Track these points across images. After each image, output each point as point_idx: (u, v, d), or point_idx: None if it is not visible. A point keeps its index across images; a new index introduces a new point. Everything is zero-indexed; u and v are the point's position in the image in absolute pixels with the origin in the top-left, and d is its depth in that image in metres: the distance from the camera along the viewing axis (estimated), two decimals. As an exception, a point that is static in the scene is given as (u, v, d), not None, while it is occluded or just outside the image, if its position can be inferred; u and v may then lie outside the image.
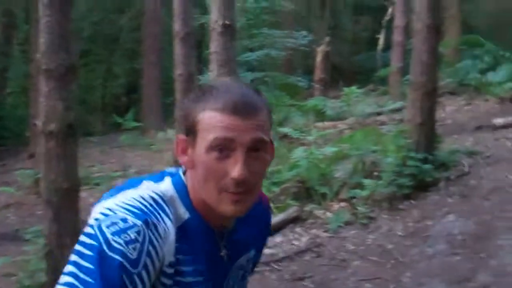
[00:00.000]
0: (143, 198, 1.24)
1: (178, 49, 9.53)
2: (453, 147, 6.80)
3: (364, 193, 5.93)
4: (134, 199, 1.23)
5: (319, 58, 13.83)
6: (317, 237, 5.54)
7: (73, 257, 1.17)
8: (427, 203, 5.78)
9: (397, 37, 12.67)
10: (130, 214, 1.19)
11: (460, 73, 11.10)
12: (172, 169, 1.37)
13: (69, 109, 4.53)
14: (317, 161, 6.71)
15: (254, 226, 1.44)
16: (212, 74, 6.98)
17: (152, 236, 1.18)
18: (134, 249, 1.15)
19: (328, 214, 5.93)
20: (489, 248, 4.78)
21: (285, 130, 9.07)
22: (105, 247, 1.14)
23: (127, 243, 1.14)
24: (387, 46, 15.97)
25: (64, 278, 1.15)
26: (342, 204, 6.09)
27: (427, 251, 5.00)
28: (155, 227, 1.19)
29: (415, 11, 6.44)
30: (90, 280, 1.12)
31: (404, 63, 12.16)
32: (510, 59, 10.90)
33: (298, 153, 6.96)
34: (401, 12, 12.54)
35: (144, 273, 1.16)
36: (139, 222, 1.17)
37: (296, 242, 5.57)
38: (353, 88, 11.22)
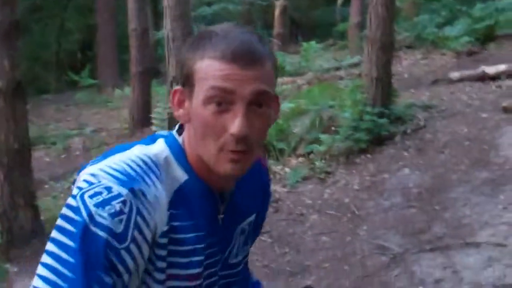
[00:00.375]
0: (132, 161, 1.12)
1: (131, 3, 9.31)
2: (409, 101, 6.85)
3: (322, 148, 5.95)
4: (122, 162, 1.11)
5: (277, 12, 13.70)
6: (275, 193, 5.55)
7: (53, 233, 1.06)
8: (383, 157, 5.83)
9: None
10: (116, 181, 1.07)
11: (418, 27, 11.13)
12: (164, 132, 1.25)
13: (15, 67, 4.39)
14: (275, 117, 6.66)
15: (253, 187, 1.32)
16: (166, 29, 6.84)
17: (141, 205, 1.07)
18: (120, 221, 1.04)
19: (286, 169, 5.94)
20: (444, 201, 4.88)
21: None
22: (88, 222, 1.03)
23: (112, 215, 1.03)
24: (347, 0, 15.90)
25: (44, 258, 1.05)
26: (300, 159, 6.11)
27: (383, 204, 5.06)
28: (143, 194, 1.08)
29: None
30: (71, 260, 1.02)
31: (362, 17, 12.14)
32: (467, 13, 10.96)
33: (256, 109, 6.90)
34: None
35: (133, 247, 1.06)
36: (124, 191, 1.06)
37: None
38: (312, 43, 11.16)
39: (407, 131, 6.12)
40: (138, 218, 1.06)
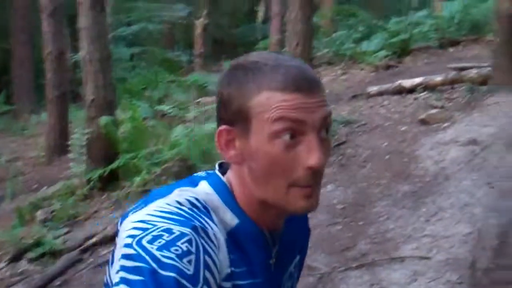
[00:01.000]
0: (180, 203, 1.01)
1: (46, 26, 9.01)
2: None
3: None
4: (169, 205, 1.00)
5: (198, 31, 13.62)
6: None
7: (121, 287, 0.92)
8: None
9: (275, 8, 12.73)
10: (173, 222, 0.96)
11: (336, 43, 11.34)
12: (202, 173, 1.14)
13: None
14: (199, 138, 6.56)
15: (296, 224, 1.21)
16: (83, 52, 6.64)
17: (206, 244, 0.96)
18: (189, 262, 0.92)
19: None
20: (368, 216, 4.90)
21: (165, 107, 8.84)
22: (155, 266, 0.90)
23: (179, 256, 0.92)
24: (267, 18, 16.04)
25: None
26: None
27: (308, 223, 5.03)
28: (206, 233, 0.98)
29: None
30: None
31: (282, 34, 12.26)
32: (383, 27, 11.27)
33: (179, 131, 6.78)
34: (277, -17, 12.58)
35: None
36: (187, 230, 0.95)
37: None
38: (234, 61, 11.13)
39: (330, 147, 6.14)
40: (207, 258, 0.95)
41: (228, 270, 1.02)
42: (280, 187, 1.01)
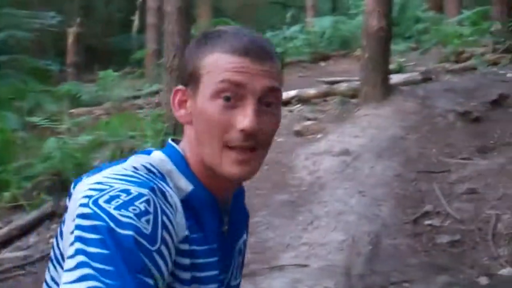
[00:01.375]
0: (136, 168, 0.99)
1: None
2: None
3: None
4: (126, 169, 0.98)
5: (70, 40, 13.18)
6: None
7: (77, 245, 0.89)
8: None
9: (150, 19, 12.59)
10: (130, 183, 0.94)
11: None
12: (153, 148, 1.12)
13: None
14: (72, 150, 6.32)
15: (241, 204, 1.22)
16: None
17: (163, 205, 0.95)
18: (147, 222, 0.91)
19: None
20: (249, 225, 4.95)
21: (35, 118, 8.42)
22: (113, 225, 0.88)
23: (137, 216, 0.90)
24: (142, 28, 15.83)
25: (74, 274, 0.87)
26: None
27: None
28: (163, 194, 0.96)
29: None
30: (109, 268, 0.86)
31: (159, 45, 12.15)
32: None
33: (51, 143, 6.49)
34: (153, -6, 12.46)
35: (164, 249, 0.93)
36: (145, 190, 0.93)
37: (53, 240, 5.18)
38: (109, 71, 10.91)
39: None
40: (164, 218, 0.94)
41: (185, 233, 1.01)
42: (215, 146, 1.02)
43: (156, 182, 0.99)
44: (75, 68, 13.02)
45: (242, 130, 1.00)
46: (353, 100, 7.23)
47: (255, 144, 1.03)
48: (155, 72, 11.75)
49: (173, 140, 1.14)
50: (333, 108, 7.29)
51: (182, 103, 1.08)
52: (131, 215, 0.90)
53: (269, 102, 1.03)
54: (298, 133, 6.52)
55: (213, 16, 14.67)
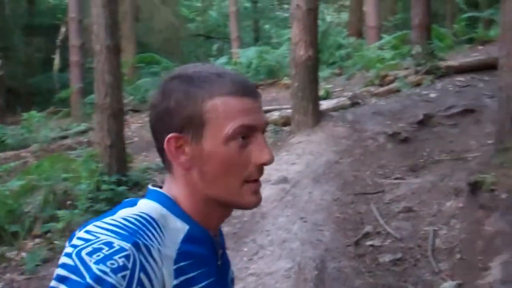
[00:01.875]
0: (128, 218, 1.01)
1: None
2: (144, 165, 6.86)
3: (60, 225, 5.59)
4: (117, 220, 1.00)
5: (-10, 82, 12.76)
6: (13, 282, 5.02)
7: None
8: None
9: (73, 56, 12.37)
10: (115, 236, 0.96)
11: (141, 90, 11.36)
12: (133, 199, 1.12)
13: None
14: (3, 197, 6.10)
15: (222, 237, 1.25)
16: None
17: (144, 261, 0.96)
18: (123, 277, 0.93)
19: (23, 254, 5.42)
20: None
21: (-41, 166, 8.08)
22: (90, 281, 0.91)
23: (114, 271, 0.92)
24: (64, 66, 15.55)
25: None
26: (37, 240, 5.64)
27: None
28: (148, 249, 0.98)
29: (93, 31, 6.30)
30: None
31: (84, 83, 11.96)
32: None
33: (-21, 190, 6.23)
34: (76, 32, 12.28)
35: None
36: (127, 245, 0.95)
37: None
38: (33, 112, 10.63)
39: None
40: (142, 275, 0.96)
41: (175, 282, 1.03)
42: (234, 184, 1.07)
43: (147, 233, 1.00)
44: (-3, 111, 12.60)
45: (263, 164, 1.08)
46: (286, 128, 7.34)
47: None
48: (81, 111, 11.54)
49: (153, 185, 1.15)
50: (266, 137, 7.36)
51: (178, 150, 1.08)
52: (108, 270, 0.92)
53: (264, 131, 1.11)
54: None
55: (138, 51, 14.60)
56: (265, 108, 8.50)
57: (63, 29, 16.29)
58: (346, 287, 4.24)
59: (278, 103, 9.12)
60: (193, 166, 1.08)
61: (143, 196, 1.14)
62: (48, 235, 5.65)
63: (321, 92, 7.96)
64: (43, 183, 6.23)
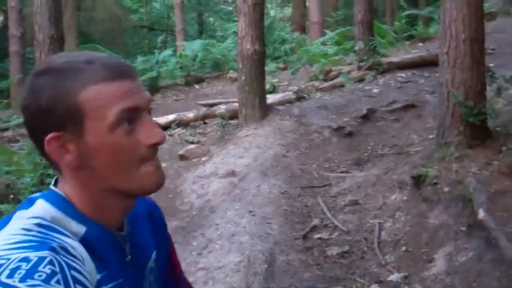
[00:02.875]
0: (27, 230, 0.93)
1: None
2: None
3: (2, 220, 5.43)
4: (16, 235, 0.92)
5: None
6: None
7: None
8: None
9: (13, 47, 12.01)
10: (27, 250, 0.89)
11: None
12: (38, 194, 1.05)
13: None
14: None
15: (147, 224, 1.19)
16: None
17: (69, 260, 0.92)
18: (58, 282, 0.87)
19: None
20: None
21: None
22: None
23: (45, 281, 0.86)
24: (3, 57, 15.07)
25: None
26: (-22, 236, 5.47)
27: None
28: (65, 249, 0.93)
29: (36, 21, 6.14)
30: None
31: (24, 73, 11.62)
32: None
33: None
34: (16, 21, 11.91)
35: None
36: (45, 252, 0.89)
37: None
38: (-30, 103, 10.26)
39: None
40: (74, 273, 0.91)
41: (98, 277, 1.00)
42: (130, 171, 1.02)
43: (54, 239, 0.94)
44: None
45: (155, 144, 1.03)
46: (233, 122, 7.36)
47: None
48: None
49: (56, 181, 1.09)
50: (214, 130, 7.38)
51: (62, 149, 1.01)
52: (39, 282, 0.86)
53: (150, 110, 1.06)
54: (183, 157, 6.52)
55: (80, 42, 14.29)
56: (212, 101, 8.52)
57: (1, 18, 15.75)
58: (295, 280, 4.30)
59: (224, 96, 9.12)
60: (81, 163, 1.01)
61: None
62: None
63: (267, 86, 8.01)
64: (-16, 177, 6.04)
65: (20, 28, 11.80)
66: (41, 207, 1.00)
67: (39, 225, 0.96)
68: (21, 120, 9.56)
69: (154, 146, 1.03)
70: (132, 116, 1.00)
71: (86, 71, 0.98)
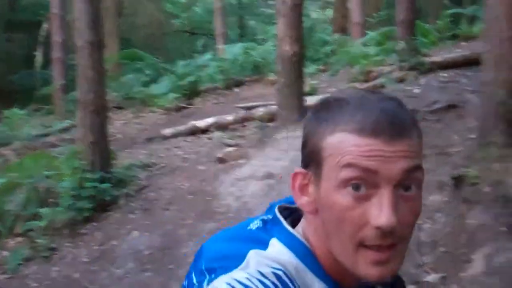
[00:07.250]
0: (263, 276, 0.86)
1: None
2: (127, 162, 6.79)
3: (42, 223, 5.52)
4: (254, 277, 0.85)
5: (-28, 79, 12.58)
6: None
7: None
8: (109, 223, 5.64)
9: (56, 53, 12.23)
10: None
11: (125, 87, 11.27)
12: (258, 222, 0.97)
13: None
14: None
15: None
16: None
17: None
18: None
19: (5, 253, 5.35)
20: (177, 258, 4.87)
21: None
22: None
23: None
24: (46, 63, 15.40)
25: None
26: (19, 239, 5.57)
27: (116, 273, 4.86)
28: None
29: (76, 27, 6.22)
30: None
31: (66, 79, 11.83)
32: (170, 70, 11.47)
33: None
34: (58, 28, 12.14)
35: None
36: None
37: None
38: (15, 110, 10.53)
39: (131, 192, 6.03)
40: None
41: None
42: (347, 244, 0.87)
43: None
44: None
45: (378, 228, 0.84)
46: (271, 124, 7.31)
47: (395, 240, 0.86)
48: (64, 108, 11.41)
49: (285, 208, 0.99)
50: (252, 133, 7.34)
51: (303, 189, 0.93)
52: None
53: (409, 185, 0.87)
54: (221, 160, 6.50)
55: (121, 47, 14.48)
56: (250, 104, 8.48)
57: (45, 25, 16.12)
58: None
59: (264, 99, 9.07)
60: (316, 211, 0.91)
61: (270, 224, 0.97)
62: (30, 233, 5.57)
63: (307, 88, 7.93)
64: (25, 181, 6.14)
65: (63, 34, 12.01)
66: (281, 252, 0.92)
67: (279, 277, 0.87)
68: (62, 125, 9.78)
69: (380, 231, 0.85)
70: (369, 182, 0.85)
71: (344, 116, 0.88)
